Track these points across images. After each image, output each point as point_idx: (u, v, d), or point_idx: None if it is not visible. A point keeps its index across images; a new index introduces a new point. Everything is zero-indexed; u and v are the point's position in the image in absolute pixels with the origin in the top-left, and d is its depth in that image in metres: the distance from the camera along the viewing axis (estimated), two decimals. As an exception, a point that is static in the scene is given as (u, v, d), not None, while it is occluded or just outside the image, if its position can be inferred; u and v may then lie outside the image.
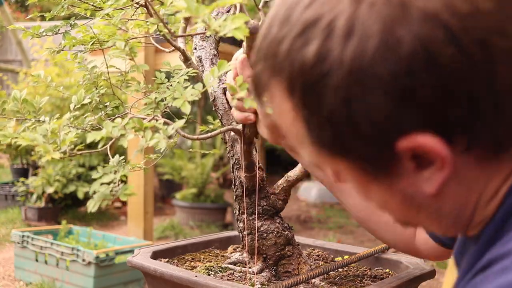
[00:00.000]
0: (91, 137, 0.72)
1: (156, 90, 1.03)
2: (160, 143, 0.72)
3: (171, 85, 1.01)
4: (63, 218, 4.94)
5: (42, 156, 0.74)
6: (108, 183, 0.73)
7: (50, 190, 4.98)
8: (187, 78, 1.04)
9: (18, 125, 0.98)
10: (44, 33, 1.13)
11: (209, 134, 1.05)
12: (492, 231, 0.55)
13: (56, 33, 1.15)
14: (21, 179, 5.35)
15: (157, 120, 0.91)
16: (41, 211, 5.01)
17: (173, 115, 1.17)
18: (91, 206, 0.71)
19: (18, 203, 5.43)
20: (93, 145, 1.04)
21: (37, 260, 3.41)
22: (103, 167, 0.78)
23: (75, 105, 1.02)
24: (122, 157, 0.86)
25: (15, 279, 3.60)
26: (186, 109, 0.78)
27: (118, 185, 0.72)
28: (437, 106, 0.49)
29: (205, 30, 1.20)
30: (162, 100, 0.95)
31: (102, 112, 1.12)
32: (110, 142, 0.79)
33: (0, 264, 3.92)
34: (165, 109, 0.97)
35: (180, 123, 0.77)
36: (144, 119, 0.91)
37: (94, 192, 0.73)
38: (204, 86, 0.79)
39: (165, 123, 0.87)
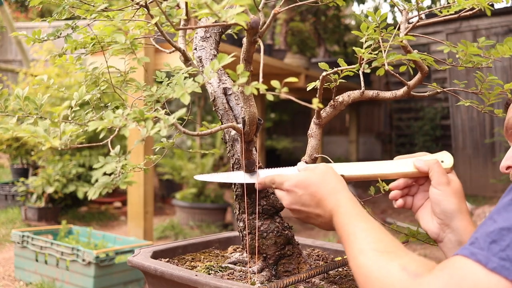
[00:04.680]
0: (93, 125, 0.72)
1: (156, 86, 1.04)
2: (162, 132, 0.72)
3: (171, 82, 1.02)
4: (63, 218, 4.95)
5: (42, 145, 0.75)
6: (110, 174, 0.74)
7: (50, 190, 4.98)
8: (187, 76, 1.04)
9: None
10: (46, 38, 1.14)
11: (209, 131, 1.05)
12: None
13: (58, 37, 1.16)
14: (21, 179, 5.35)
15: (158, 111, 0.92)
16: (41, 211, 5.01)
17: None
18: (91, 194, 0.72)
19: (18, 203, 5.43)
20: (94, 141, 1.05)
21: (37, 260, 3.41)
22: (106, 156, 0.79)
23: (76, 101, 1.02)
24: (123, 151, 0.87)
25: (15, 279, 3.60)
26: (186, 99, 0.79)
27: (119, 175, 0.73)
28: None
29: (206, 24, 1.20)
30: (162, 95, 0.96)
31: (104, 111, 1.13)
32: (111, 136, 0.80)
33: (0, 264, 3.92)
34: (164, 105, 0.97)
35: (181, 112, 0.77)
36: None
37: (96, 180, 0.73)
38: (203, 83, 0.80)
39: (166, 114, 0.87)
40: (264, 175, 1.11)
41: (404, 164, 1.05)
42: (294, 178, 1.03)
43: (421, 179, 1.07)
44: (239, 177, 1.17)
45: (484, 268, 0.67)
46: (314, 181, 1.00)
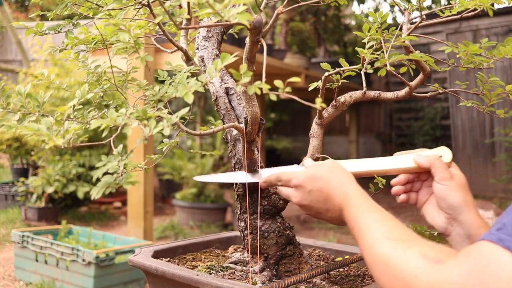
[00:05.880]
0: (95, 124, 0.72)
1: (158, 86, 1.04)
2: (165, 131, 0.72)
3: (174, 82, 1.02)
4: (63, 218, 4.94)
5: (45, 143, 0.74)
6: (112, 173, 0.74)
7: (50, 190, 4.97)
8: (190, 75, 1.04)
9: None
10: (47, 31, 1.13)
11: (211, 130, 1.05)
12: None
13: (59, 32, 1.16)
14: (21, 179, 5.35)
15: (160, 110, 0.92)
16: (41, 211, 5.01)
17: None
18: (95, 193, 0.72)
19: (18, 203, 5.43)
20: (94, 141, 1.04)
21: (37, 260, 3.41)
22: (106, 156, 0.79)
23: (78, 99, 1.02)
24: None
25: (15, 279, 3.60)
26: (189, 98, 0.78)
27: (122, 174, 0.73)
28: None
29: (209, 24, 1.20)
30: (165, 94, 0.96)
31: (106, 109, 1.12)
32: (114, 136, 0.80)
33: (0, 264, 3.92)
34: (166, 104, 0.97)
35: (184, 111, 0.77)
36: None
37: (98, 180, 0.73)
38: (206, 82, 0.80)
39: (168, 113, 0.87)
40: (267, 174, 1.11)
41: (404, 160, 1.07)
42: (302, 174, 1.02)
43: (423, 175, 1.07)
44: (241, 177, 1.17)
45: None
46: (322, 176, 1.00)
